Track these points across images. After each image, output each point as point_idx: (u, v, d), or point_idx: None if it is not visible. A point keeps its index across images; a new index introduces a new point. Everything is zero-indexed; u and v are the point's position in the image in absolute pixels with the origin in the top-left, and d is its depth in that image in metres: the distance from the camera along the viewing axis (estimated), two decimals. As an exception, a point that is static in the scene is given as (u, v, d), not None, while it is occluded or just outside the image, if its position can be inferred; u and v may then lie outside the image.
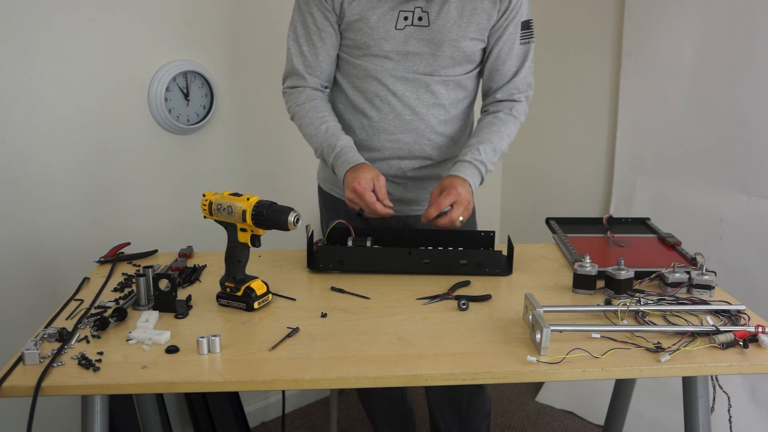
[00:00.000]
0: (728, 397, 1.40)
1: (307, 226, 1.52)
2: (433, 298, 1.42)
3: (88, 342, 1.20)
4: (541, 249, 1.73)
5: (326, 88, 1.70)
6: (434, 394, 1.88)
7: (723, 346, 1.19)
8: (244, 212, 1.30)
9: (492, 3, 1.57)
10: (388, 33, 1.56)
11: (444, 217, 1.50)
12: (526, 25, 1.63)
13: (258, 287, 1.35)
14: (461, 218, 1.50)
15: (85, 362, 1.12)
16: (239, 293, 1.35)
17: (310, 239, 1.55)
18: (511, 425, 2.51)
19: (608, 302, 1.37)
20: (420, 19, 1.55)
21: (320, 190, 1.85)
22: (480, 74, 1.71)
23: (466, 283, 1.49)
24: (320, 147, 1.62)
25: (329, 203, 1.80)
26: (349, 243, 1.56)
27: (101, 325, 1.23)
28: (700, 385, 1.31)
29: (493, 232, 1.61)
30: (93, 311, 1.33)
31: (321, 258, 1.52)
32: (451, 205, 1.50)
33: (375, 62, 1.60)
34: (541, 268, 1.60)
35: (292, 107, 1.67)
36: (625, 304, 1.32)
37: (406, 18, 1.55)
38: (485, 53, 1.66)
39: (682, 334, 1.23)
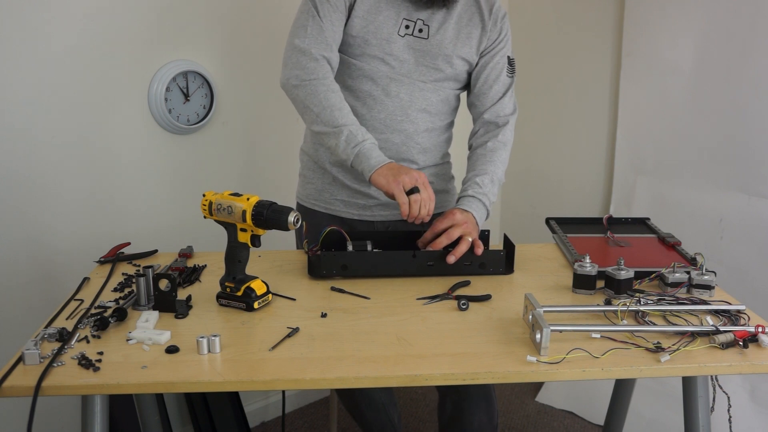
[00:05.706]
0: (728, 397, 1.40)
1: (303, 224, 1.50)
2: (433, 298, 1.42)
3: (88, 342, 1.20)
4: (541, 249, 1.73)
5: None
6: (445, 415, 1.83)
7: (723, 346, 1.19)
8: (244, 212, 1.30)
9: (482, 31, 1.68)
10: (391, 36, 1.61)
11: (456, 248, 1.51)
12: (510, 62, 1.74)
13: (258, 287, 1.35)
14: (469, 238, 1.52)
15: (85, 362, 1.12)
16: (239, 293, 1.35)
17: (306, 245, 1.54)
18: (511, 425, 2.51)
19: (608, 302, 1.37)
20: (420, 31, 1.63)
21: (300, 208, 1.82)
22: (458, 98, 1.77)
23: (466, 283, 1.49)
24: (346, 124, 1.54)
25: (312, 219, 1.76)
26: (350, 248, 1.55)
27: (101, 325, 1.23)
28: (700, 385, 1.31)
29: (488, 231, 1.62)
30: (93, 311, 1.33)
31: (324, 264, 1.51)
32: (459, 238, 1.52)
33: (371, 63, 1.62)
34: (541, 268, 1.60)
35: (313, 71, 1.56)
36: (625, 304, 1.32)
37: (407, 27, 1.62)
38: (470, 78, 1.74)
39: (682, 334, 1.23)
